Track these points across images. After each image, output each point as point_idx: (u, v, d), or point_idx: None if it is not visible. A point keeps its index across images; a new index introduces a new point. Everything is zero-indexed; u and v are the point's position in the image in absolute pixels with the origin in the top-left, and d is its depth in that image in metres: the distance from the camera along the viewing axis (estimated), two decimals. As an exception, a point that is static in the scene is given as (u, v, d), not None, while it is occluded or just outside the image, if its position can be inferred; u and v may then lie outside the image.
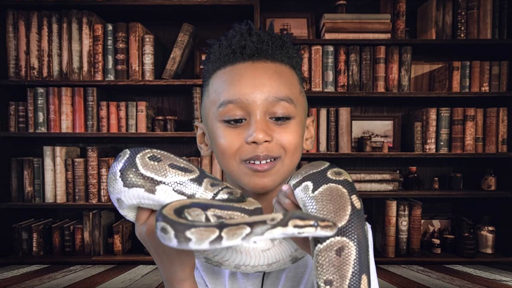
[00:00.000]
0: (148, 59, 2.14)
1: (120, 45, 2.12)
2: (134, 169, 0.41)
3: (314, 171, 0.46)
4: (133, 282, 1.85)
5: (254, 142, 0.57)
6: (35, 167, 2.16)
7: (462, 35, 2.16)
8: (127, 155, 0.43)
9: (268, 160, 0.59)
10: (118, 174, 0.42)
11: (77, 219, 2.27)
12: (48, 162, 2.14)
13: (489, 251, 2.19)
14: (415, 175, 2.27)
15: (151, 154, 0.42)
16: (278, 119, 0.60)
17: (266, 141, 0.58)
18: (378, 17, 2.17)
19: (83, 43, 2.12)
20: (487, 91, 2.18)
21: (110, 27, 2.12)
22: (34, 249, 2.15)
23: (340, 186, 0.42)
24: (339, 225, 0.40)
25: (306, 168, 0.47)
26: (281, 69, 0.62)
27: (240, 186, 0.64)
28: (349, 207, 0.41)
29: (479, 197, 2.28)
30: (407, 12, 2.20)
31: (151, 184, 0.41)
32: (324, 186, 0.43)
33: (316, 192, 0.43)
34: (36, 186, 2.15)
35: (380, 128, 2.41)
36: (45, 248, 2.19)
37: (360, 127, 2.39)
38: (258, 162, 0.59)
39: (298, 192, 0.45)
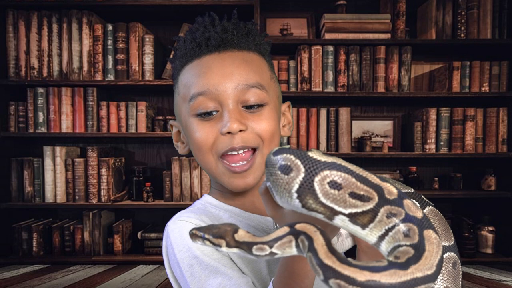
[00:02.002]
0: (148, 59, 2.15)
1: (120, 45, 2.12)
2: (313, 196, 0.37)
3: (409, 191, 0.51)
4: (133, 282, 1.85)
5: (229, 133, 0.56)
6: (35, 167, 2.16)
7: (462, 35, 2.16)
8: (302, 175, 0.37)
9: (246, 150, 0.58)
10: (295, 195, 0.38)
11: (77, 219, 2.27)
12: (48, 162, 2.14)
13: (489, 251, 2.19)
14: (415, 175, 2.27)
15: (331, 179, 0.36)
16: (251, 107, 0.59)
17: (241, 130, 0.57)
18: (378, 17, 2.17)
19: (83, 43, 2.13)
20: (487, 91, 2.18)
21: (110, 27, 2.13)
22: (34, 249, 2.15)
23: (438, 211, 0.51)
24: (448, 244, 0.48)
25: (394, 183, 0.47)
26: (249, 56, 0.61)
27: (220, 184, 0.63)
28: (451, 231, 0.50)
29: (479, 197, 2.28)
30: (407, 12, 2.20)
31: (331, 214, 0.37)
32: (429, 208, 0.51)
33: (425, 211, 0.49)
34: (36, 186, 2.15)
35: (380, 128, 2.41)
36: (45, 248, 2.19)
37: (360, 127, 2.39)
38: (236, 153, 0.58)
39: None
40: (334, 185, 0.36)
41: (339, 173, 0.36)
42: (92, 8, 2.14)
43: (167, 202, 2.16)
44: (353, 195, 0.37)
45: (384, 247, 0.37)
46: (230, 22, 0.62)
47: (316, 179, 0.36)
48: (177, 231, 0.58)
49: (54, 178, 2.15)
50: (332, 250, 0.34)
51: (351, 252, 0.54)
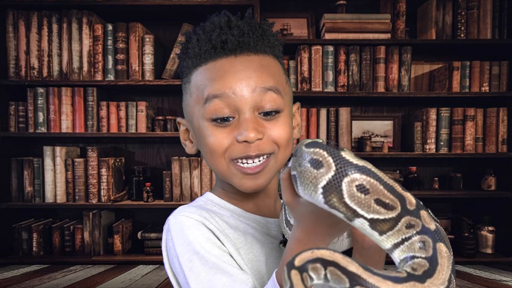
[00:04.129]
0: (148, 59, 2.15)
1: (120, 45, 2.12)
2: (339, 196, 0.37)
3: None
4: (133, 282, 1.85)
5: (245, 141, 0.56)
6: (35, 167, 2.16)
7: (462, 35, 2.16)
8: (332, 173, 0.37)
9: (261, 158, 0.58)
10: (320, 190, 0.38)
11: (77, 219, 2.27)
12: (48, 162, 2.14)
13: (489, 251, 2.19)
14: (415, 175, 2.27)
15: (360, 183, 0.37)
16: (267, 114, 0.58)
17: (258, 139, 0.56)
18: (378, 17, 2.17)
19: (83, 43, 2.13)
20: (487, 91, 2.18)
21: (110, 27, 2.13)
22: (34, 249, 2.15)
23: (441, 229, 0.47)
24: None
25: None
26: (266, 60, 0.60)
27: (230, 185, 0.62)
28: (451, 249, 0.45)
29: (479, 197, 2.28)
30: (407, 12, 2.20)
31: (352, 215, 0.38)
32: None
33: None
34: (36, 186, 2.15)
35: (380, 128, 2.41)
36: (45, 248, 2.19)
37: (360, 127, 2.39)
38: (251, 161, 0.58)
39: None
40: (362, 189, 0.37)
41: (369, 178, 0.37)
42: (92, 8, 2.14)
43: (167, 202, 2.16)
44: (379, 201, 0.37)
45: (397, 254, 0.38)
46: (245, 22, 0.61)
47: (346, 180, 0.37)
48: (179, 226, 0.58)
49: (54, 178, 2.15)
50: (347, 257, 0.34)
51: (348, 253, 0.54)
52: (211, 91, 0.57)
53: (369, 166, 0.37)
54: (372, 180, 0.37)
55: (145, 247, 2.19)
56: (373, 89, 2.19)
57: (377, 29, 2.15)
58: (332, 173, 0.37)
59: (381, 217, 0.37)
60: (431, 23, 2.18)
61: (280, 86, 0.60)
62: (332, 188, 0.37)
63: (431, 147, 2.19)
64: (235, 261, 0.57)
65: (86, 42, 2.12)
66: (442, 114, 2.18)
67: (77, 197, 2.15)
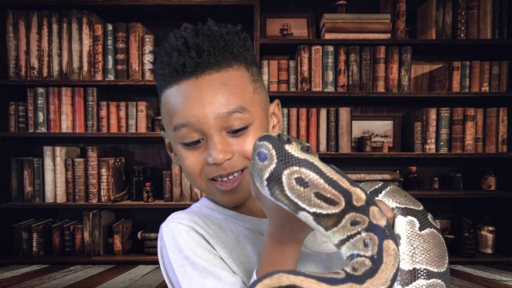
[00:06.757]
0: (148, 59, 2.15)
1: (120, 45, 2.12)
2: (280, 188, 0.38)
3: (415, 208, 0.49)
4: (133, 282, 1.85)
5: (215, 163, 0.57)
6: (35, 167, 2.16)
7: (462, 35, 2.16)
8: (273, 165, 0.38)
9: (235, 174, 0.59)
10: (265, 182, 0.39)
11: (77, 219, 2.27)
12: (48, 162, 2.14)
13: (489, 251, 2.19)
14: (415, 175, 2.27)
15: (299, 176, 0.37)
16: (235, 131, 0.58)
17: (227, 159, 0.57)
18: (378, 17, 2.17)
19: (83, 43, 2.13)
20: (487, 91, 2.18)
21: (110, 27, 2.13)
22: (34, 249, 2.15)
23: (441, 236, 0.49)
24: (438, 270, 0.45)
25: (401, 197, 0.50)
26: (228, 76, 0.59)
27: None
28: (447, 257, 0.48)
29: (479, 197, 2.28)
30: (407, 12, 2.20)
31: (295, 207, 0.38)
32: (429, 230, 0.49)
33: (423, 232, 0.48)
34: (36, 186, 2.15)
35: (380, 128, 2.41)
36: (45, 248, 2.19)
37: (360, 127, 2.39)
38: (226, 179, 0.59)
39: (401, 220, 0.48)
40: (300, 182, 0.37)
41: (308, 172, 0.37)
42: (92, 8, 2.14)
43: (167, 202, 2.16)
44: (319, 195, 0.37)
45: (344, 251, 0.39)
46: (204, 37, 0.59)
47: (285, 172, 0.38)
48: (170, 232, 0.59)
49: (54, 178, 2.15)
50: (276, 272, 0.33)
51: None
52: (177, 121, 0.58)
53: (312, 160, 0.37)
54: (311, 174, 0.37)
55: (145, 247, 2.19)
56: (373, 89, 2.19)
57: (377, 29, 2.15)
58: (274, 165, 0.38)
59: (324, 211, 0.38)
60: (431, 23, 2.18)
61: (245, 101, 0.59)
62: (274, 180, 0.38)
63: (431, 147, 2.19)
64: (226, 264, 0.58)
65: (86, 42, 2.12)
66: (442, 114, 2.18)
67: (77, 197, 2.15)
